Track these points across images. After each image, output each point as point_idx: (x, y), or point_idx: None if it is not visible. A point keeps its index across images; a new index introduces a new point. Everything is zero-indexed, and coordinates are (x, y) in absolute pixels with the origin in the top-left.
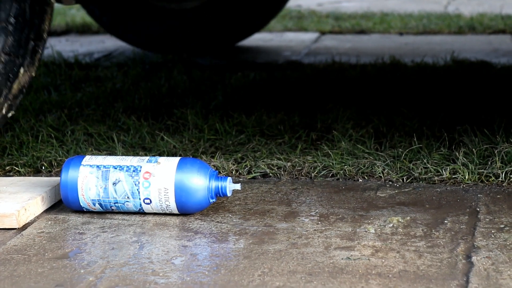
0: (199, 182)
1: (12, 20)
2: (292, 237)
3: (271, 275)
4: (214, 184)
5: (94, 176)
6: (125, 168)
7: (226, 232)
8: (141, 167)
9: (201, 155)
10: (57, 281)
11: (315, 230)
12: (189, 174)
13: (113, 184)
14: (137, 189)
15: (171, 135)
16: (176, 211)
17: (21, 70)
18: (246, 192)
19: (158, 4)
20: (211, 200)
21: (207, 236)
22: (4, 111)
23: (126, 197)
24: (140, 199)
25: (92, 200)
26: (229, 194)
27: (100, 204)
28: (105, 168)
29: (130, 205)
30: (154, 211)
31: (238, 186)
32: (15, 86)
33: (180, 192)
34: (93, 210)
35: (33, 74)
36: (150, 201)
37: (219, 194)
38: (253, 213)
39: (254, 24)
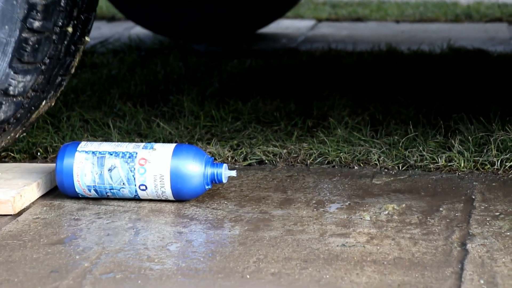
0: (195, 168)
1: (46, 60)
2: (288, 224)
3: (266, 261)
4: (209, 170)
5: (90, 162)
6: (120, 154)
7: (221, 218)
8: (136, 153)
9: (197, 142)
10: (52, 266)
11: (310, 217)
12: (185, 160)
13: (109, 170)
14: (133, 176)
15: (167, 122)
16: (171, 198)
17: (43, 102)
18: (241, 179)
19: None
20: (206, 187)
21: (202, 223)
22: (17, 135)
23: (122, 184)
24: (135, 185)
25: (88, 186)
26: (224, 180)
27: (96, 190)
28: (101, 154)
29: (126, 192)
30: (150, 198)
31: (233, 173)
32: (34, 116)
33: (176, 179)
34: (88, 196)
35: (53, 103)
36: (146, 188)
37: (215, 180)
38: (249, 200)
39: (276, 10)
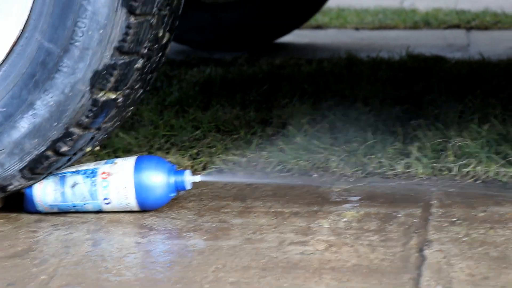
0: (158, 178)
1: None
2: (247, 233)
3: (225, 271)
4: (173, 179)
5: (51, 182)
6: (82, 172)
7: (180, 228)
8: (98, 168)
9: (156, 151)
10: (9, 280)
11: (269, 225)
12: (148, 171)
13: (71, 187)
14: (96, 190)
15: (126, 132)
16: (137, 209)
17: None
18: (201, 188)
19: None
20: (171, 195)
21: (161, 233)
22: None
23: (85, 199)
24: (99, 199)
25: (50, 205)
26: (189, 187)
27: (59, 208)
28: (62, 174)
29: (90, 207)
30: (115, 210)
31: (197, 178)
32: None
33: (140, 190)
34: (52, 211)
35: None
36: (110, 201)
37: (179, 188)
38: (208, 209)
39: (293, 21)
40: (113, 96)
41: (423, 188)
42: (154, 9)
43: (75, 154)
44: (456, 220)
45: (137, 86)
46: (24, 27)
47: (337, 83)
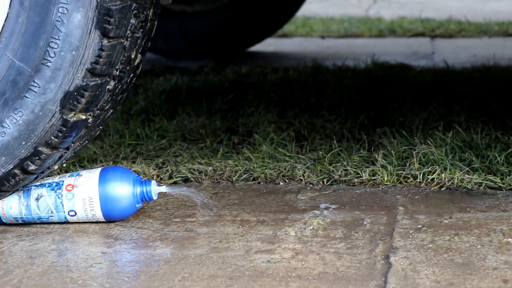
0: (124, 189)
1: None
2: (213, 242)
3: (191, 280)
4: (138, 189)
5: (15, 195)
6: (47, 185)
7: (146, 237)
8: (63, 181)
9: (122, 161)
10: None
11: (235, 234)
12: (113, 182)
13: (36, 200)
14: (61, 202)
15: (91, 141)
16: (103, 220)
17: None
18: (167, 197)
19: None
20: (137, 205)
21: (127, 242)
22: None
23: (50, 212)
24: (64, 212)
25: (15, 218)
26: (155, 197)
27: (24, 221)
28: (27, 187)
29: (55, 219)
30: (80, 221)
31: (163, 189)
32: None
33: (106, 201)
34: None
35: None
36: (75, 213)
37: (145, 198)
38: (174, 218)
39: (266, 29)
40: (83, 117)
41: (388, 195)
42: (128, 32)
43: (42, 172)
44: (421, 227)
45: (107, 107)
46: None
47: (303, 91)
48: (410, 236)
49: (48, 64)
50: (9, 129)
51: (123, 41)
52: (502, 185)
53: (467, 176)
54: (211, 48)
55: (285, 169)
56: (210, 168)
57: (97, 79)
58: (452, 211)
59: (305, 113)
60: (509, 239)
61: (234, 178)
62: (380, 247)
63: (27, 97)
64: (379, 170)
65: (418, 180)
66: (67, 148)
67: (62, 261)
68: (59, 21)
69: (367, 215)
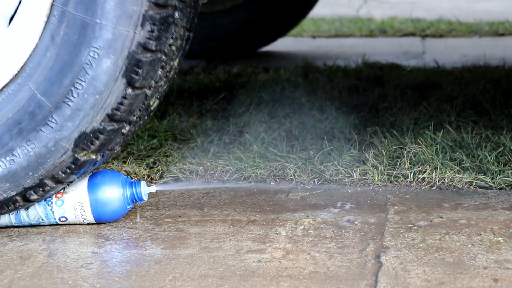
0: (113, 192)
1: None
2: (204, 241)
3: (182, 279)
4: (128, 191)
5: None
6: None
7: (137, 237)
8: None
9: (112, 161)
10: None
11: (226, 233)
12: (102, 185)
13: (25, 209)
14: (51, 209)
15: None
16: (94, 222)
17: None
18: (158, 197)
19: None
20: (128, 207)
21: (118, 242)
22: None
23: (40, 219)
24: (55, 218)
25: (5, 226)
26: (145, 198)
27: (14, 226)
28: None
29: (46, 224)
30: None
31: (153, 189)
32: None
33: (96, 206)
34: None
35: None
36: (66, 219)
37: (135, 199)
38: (165, 218)
39: (278, 29)
40: (94, 157)
41: (379, 195)
42: (152, 82)
43: (41, 200)
44: (412, 226)
45: (117, 148)
46: (17, 72)
47: (294, 91)
48: (401, 236)
49: (70, 103)
50: (19, 158)
51: (146, 91)
52: (492, 184)
53: (458, 175)
54: (223, 48)
55: (276, 169)
56: (201, 167)
57: (114, 124)
58: (442, 210)
59: (296, 112)
60: (499, 238)
61: (225, 178)
62: (371, 246)
63: (43, 131)
64: (370, 170)
65: (408, 179)
66: (71, 182)
67: (52, 262)
68: (88, 64)
69: (357, 215)
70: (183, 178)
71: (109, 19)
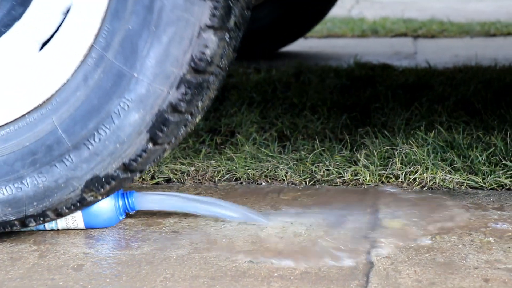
0: (106, 202)
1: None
2: (195, 242)
3: (173, 280)
4: (121, 202)
5: None
6: None
7: (128, 238)
8: None
9: None
10: None
11: (218, 234)
12: None
13: None
14: (43, 225)
15: None
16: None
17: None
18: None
19: None
20: (120, 217)
21: (109, 243)
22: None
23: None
24: (44, 227)
25: None
26: (137, 208)
27: None
28: None
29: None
30: None
31: (145, 201)
32: None
33: (88, 217)
34: None
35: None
36: (57, 229)
37: (128, 210)
38: (156, 219)
39: (299, 29)
40: (100, 198)
41: (370, 195)
42: (173, 139)
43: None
44: (403, 227)
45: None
46: (43, 103)
47: (285, 91)
48: (392, 236)
49: (89, 146)
50: (27, 187)
51: (166, 146)
52: (483, 185)
53: (449, 175)
54: (242, 50)
55: (267, 169)
56: (193, 168)
57: (129, 174)
58: (434, 210)
59: (288, 113)
60: (490, 239)
61: (216, 179)
62: (362, 246)
63: (56, 167)
64: (361, 170)
65: (400, 180)
66: (71, 215)
67: (43, 263)
68: (116, 114)
69: (349, 215)
70: (174, 179)
71: (146, 75)
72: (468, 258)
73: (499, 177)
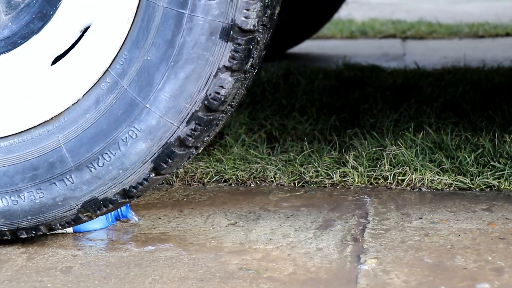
0: None
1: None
2: (184, 243)
3: (162, 282)
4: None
5: None
6: None
7: (117, 240)
8: None
9: None
10: None
11: (206, 235)
12: None
13: None
14: None
15: None
16: None
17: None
18: (138, 200)
19: None
20: (109, 225)
21: (97, 245)
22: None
23: None
24: None
25: None
26: (128, 215)
27: None
28: None
29: None
30: None
31: (135, 218)
32: None
33: (78, 226)
34: None
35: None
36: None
37: (119, 217)
38: (145, 220)
39: (307, 30)
40: (93, 217)
41: (359, 196)
42: (175, 170)
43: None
44: (391, 228)
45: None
46: (49, 120)
47: (274, 92)
48: (381, 237)
49: (92, 169)
50: (23, 201)
51: (167, 176)
52: (471, 186)
53: (437, 177)
54: None
55: (256, 171)
56: (181, 170)
57: (127, 199)
58: (422, 211)
59: (276, 114)
60: (478, 239)
61: (205, 180)
62: (350, 247)
63: (56, 186)
64: (350, 171)
65: (388, 181)
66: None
67: (31, 265)
68: (123, 141)
69: (338, 216)
70: (163, 181)
71: (159, 108)
72: (457, 259)
73: (487, 178)
